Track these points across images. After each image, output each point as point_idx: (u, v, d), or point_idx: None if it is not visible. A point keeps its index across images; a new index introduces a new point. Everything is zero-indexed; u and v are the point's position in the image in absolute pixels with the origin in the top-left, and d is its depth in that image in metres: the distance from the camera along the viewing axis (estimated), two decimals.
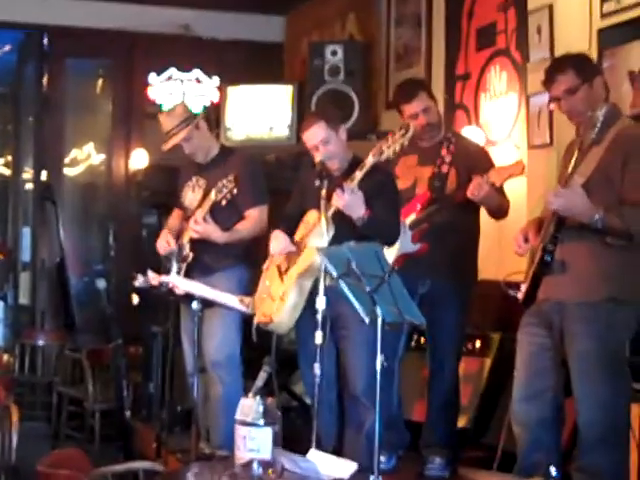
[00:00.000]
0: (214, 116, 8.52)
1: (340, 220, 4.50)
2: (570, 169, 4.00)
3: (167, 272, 5.15)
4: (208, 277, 5.07)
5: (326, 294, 4.43)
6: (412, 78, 5.97)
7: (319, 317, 4.28)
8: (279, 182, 6.75)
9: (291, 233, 4.80)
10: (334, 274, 4.05)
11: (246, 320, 5.21)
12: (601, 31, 5.32)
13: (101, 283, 6.32)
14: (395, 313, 3.87)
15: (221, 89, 8.54)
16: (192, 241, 5.15)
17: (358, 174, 4.49)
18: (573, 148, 4.14)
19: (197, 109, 8.63)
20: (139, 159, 8.58)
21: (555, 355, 4.12)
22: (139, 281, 4.94)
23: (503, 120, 6.14)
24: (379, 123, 7.51)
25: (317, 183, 4.52)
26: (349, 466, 3.97)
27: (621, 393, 4.04)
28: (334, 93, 7.40)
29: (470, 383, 5.33)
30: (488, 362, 5.44)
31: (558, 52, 5.58)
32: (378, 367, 3.94)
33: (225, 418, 5.09)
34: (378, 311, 3.89)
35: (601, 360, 3.97)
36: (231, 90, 8.34)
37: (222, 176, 5.07)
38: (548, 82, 4.27)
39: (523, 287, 4.17)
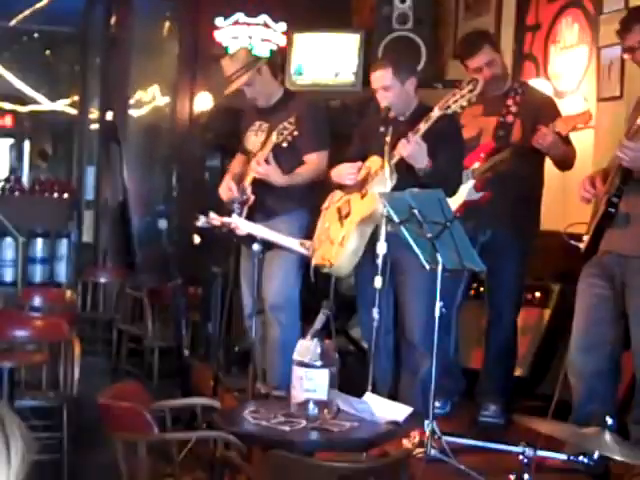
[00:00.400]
0: (280, 61, 8.53)
1: (403, 168, 4.50)
2: (638, 122, 3.96)
3: (229, 214, 5.19)
4: (270, 220, 5.10)
5: (387, 239, 4.46)
6: (475, 30, 5.89)
7: (379, 262, 4.29)
8: (344, 127, 6.74)
9: None
10: (396, 219, 4.07)
11: (306, 263, 5.27)
12: None
13: (163, 223, 6.38)
14: (456, 260, 3.89)
15: (288, 34, 8.52)
16: (254, 184, 5.18)
17: (422, 126, 4.46)
18: None
19: (264, 53, 8.66)
20: (203, 102, 8.61)
21: (615, 307, 4.11)
22: (201, 221, 4.97)
23: (572, 72, 6.05)
24: (446, 72, 7.44)
25: (382, 129, 4.52)
26: (404, 410, 3.99)
27: None
28: (402, 41, 7.34)
29: (528, 333, 5.32)
30: (547, 313, 5.43)
31: (633, 3, 5.50)
32: (437, 314, 3.95)
33: (282, 359, 5.16)
34: (439, 257, 3.90)
35: None
36: (298, 36, 8.31)
37: (284, 120, 5.08)
38: (623, 31, 4.21)
39: (585, 238, 4.15)
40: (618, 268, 4.08)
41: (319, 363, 3.84)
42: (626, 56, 4.30)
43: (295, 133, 4.83)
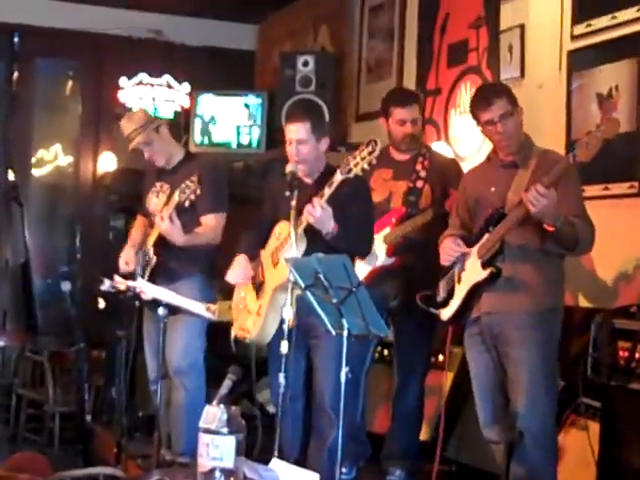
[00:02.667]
0: (183, 122, 8.55)
1: (312, 234, 4.50)
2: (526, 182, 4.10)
3: (132, 277, 5.14)
4: (172, 283, 5.05)
5: (297, 304, 4.48)
6: (407, 89, 6.00)
7: (285, 327, 4.28)
8: (247, 189, 6.81)
9: (263, 242, 4.81)
10: (301, 284, 4.07)
11: (210, 327, 5.25)
12: (571, 53, 5.39)
13: (66, 285, 6.27)
14: (361, 325, 3.89)
15: (191, 95, 8.54)
16: (156, 245, 5.15)
17: (327, 191, 4.45)
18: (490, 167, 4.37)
19: (167, 114, 8.67)
20: (107, 162, 8.56)
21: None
22: (106, 285, 4.91)
23: (472, 136, 6.18)
24: (349, 135, 7.54)
25: (287, 193, 4.53)
26: (311, 477, 3.97)
27: (555, 402, 4.24)
28: (305, 102, 7.41)
29: (433, 395, 5.35)
30: (450, 375, 5.47)
31: (529, 72, 5.67)
32: (343, 378, 3.96)
33: (187, 425, 5.11)
34: (344, 323, 3.92)
35: (544, 367, 4.13)
36: (201, 97, 8.34)
37: (186, 180, 5.07)
38: (484, 106, 4.27)
39: (453, 304, 4.27)
40: (499, 327, 4.20)
41: (226, 430, 3.79)
42: (481, 129, 4.37)
43: (197, 192, 4.81)
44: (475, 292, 4.24)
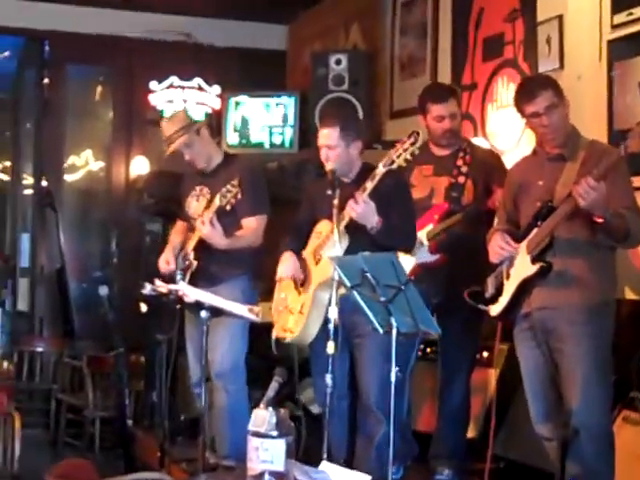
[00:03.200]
0: (215, 124, 8.48)
1: (355, 230, 4.44)
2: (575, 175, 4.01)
3: (172, 281, 5.09)
4: (214, 287, 4.97)
5: (341, 303, 4.41)
6: (445, 84, 5.92)
7: (331, 327, 4.20)
8: (282, 190, 6.71)
9: (302, 244, 4.74)
10: (347, 284, 3.99)
11: (251, 329, 5.17)
12: (611, 42, 5.28)
13: (103, 290, 6.22)
14: (410, 323, 3.81)
15: (222, 97, 8.48)
16: (196, 250, 5.08)
17: (369, 184, 4.40)
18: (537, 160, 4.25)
19: (198, 117, 8.60)
20: (139, 166, 8.51)
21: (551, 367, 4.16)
22: (147, 289, 4.85)
23: (510, 130, 6.08)
24: (383, 132, 7.45)
25: (329, 192, 4.45)
26: (362, 478, 3.89)
27: (610, 398, 4.13)
28: (338, 102, 7.33)
29: (478, 394, 5.25)
30: (495, 373, 5.37)
31: (568, 63, 5.56)
32: (392, 378, 3.87)
33: (230, 427, 5.05)
34: (393, 321, 3.83)
35: (598, 362, 4.02)
36: (233, 98, 8.28)
37: (225, 183, 5.00)
38: (527, 99, 4.18)
39: (502, 300, 4.17)
40: (551, 323, 4.09)
41: (275, 433, 3.71)
42: (526, 122, 4.27)
43: (239, 196, 4.74)
44: (525, 287, 4.13)
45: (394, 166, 4.36)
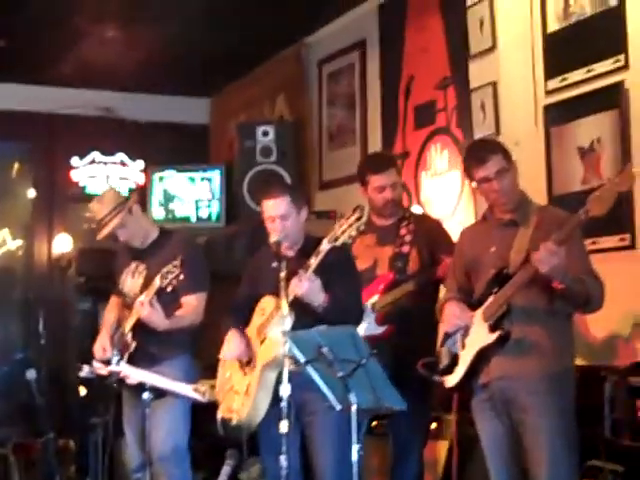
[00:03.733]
0: (139, 200, 8.24)
1: (300, 307, 4.23)
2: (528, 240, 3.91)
3: (108, 362, 4.83)
4: (154, 367, 4.71)
5: (290, 380, 4.21)
6: (384, 152, 5.79)
7: (284, 405, 3.97)
8: (211, 264, 6.49)
9: (246, 320, 4.53)
10: (301, 360, 3.78)
11: (192, 409, 4.92)
12: (547, 108, 5.24)
13: (31, 373, 5.89)
14: (372, 399, 3.61)
15: (146, 172, 8.28)
16: (134, 329, 4.83)
17: (313, 261, 4.19)
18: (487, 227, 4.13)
19: (122, 192, 8.37)
20: (62, 244, 8.21)
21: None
22: (85, 371, 4.59)
23: (446, 198, 5.99)
24: (312, 204, 7.30)
25: (274, 264, 4.26)
26: None
27: (577, 471, 3.99)
28: (266, 174, 7.18)
29: (429, 467, 5.06)
30: (445, 444, 5.19)
31: (504, 129, 5.50)
32: (355, 458, 3.66)
33: None
34: (351, 398, 3.63)
35: (564, 434, 3.86)
36: (157, 173, 8.07)
37: (162, 261, 4.76)
38: (477, 163, 4.06)
39: (459, 370, 4.02)
40: (511, 392, 3.93)
41: None
42: (475, 187, 4.17)
43: (181, 277, 4.51)
44: (483, 357, 3.98)
45: (338, 243, 4.17)
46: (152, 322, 4.68)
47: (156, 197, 8.04)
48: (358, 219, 4.11)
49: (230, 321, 4.57)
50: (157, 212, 7.99)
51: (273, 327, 4.31)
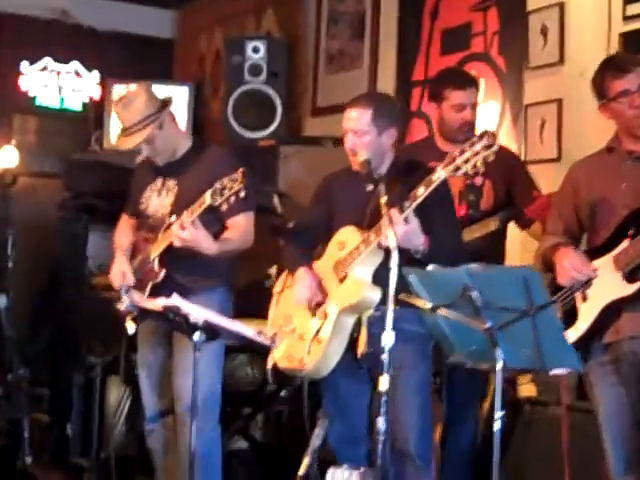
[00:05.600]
0: (94, 116, 7.22)
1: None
2: None
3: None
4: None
5: (370, 328, 3.48)
6: (463, 70, 4.95)
7: (385, 357, 3.15)
8: None
9: (315, 252, 3.71)
10: (427, 305, 2.97)
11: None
12: (624, 36, 4.51)
13: (1, 300, 4.87)
14: (529, 357, 2.83)
15: (104, 85, 7.24)
16: (162, 256, 3.92)
17: (422, 191, 3.35)
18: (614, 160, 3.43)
19: (75, 105, 7.33)
20: (8, 157, 7.08)
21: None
22: (125, 304, 3.68)
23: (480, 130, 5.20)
24: (302, 130, 6.44)
25: (369, 187, 3.41)
26: None
27: None
28: (254, 94, 6.26)
29: None
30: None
31: (570, 57, 4.75)
32: (497, 426, 2.87)
33: (202, 474, 3.87)
34: (498, 353, 2.84)
35: None
36: (117, 87, 7.03)
37: (198, 176, 3.90)
38: (618, 74, 3.38)
39: (580, 325, 3.29)
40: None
41: None
42: (605, 107, 3.46)
43: (242, 194, 3.60)
44: (611, 311, 3.26)
45: (458, 174, 3.35)
46: (198, 245, 3.78)
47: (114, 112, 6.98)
48: (487, 147, 3.29)
49: (291, 255, 3.73)
50: (114, 128, 6.95)
51: (359, 265, 3.50)
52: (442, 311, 2.89)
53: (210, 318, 3.37)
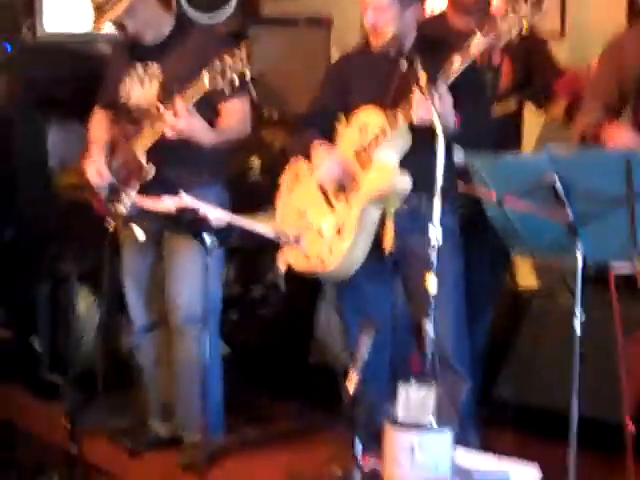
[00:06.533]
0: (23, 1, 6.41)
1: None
2: None
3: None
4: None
5: (399, 221, 3.08)
6: None
7: (433, 254, 2.72)
8: None
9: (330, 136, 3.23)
10: (493, 195, 2.54)
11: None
12: None
13: None
14: (617, 249, 2.43)
15: None
16: (149, 151, 3.39)
17: (456, 65, 2.89)
18: None
19: None
20: None
21: None
22: (127, 206, 3.16)
23: None
24: (260, 10, 5.78)
25: (404, 65, 2.93)
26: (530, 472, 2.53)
27: None
28: None
29: None
30: None
31: None
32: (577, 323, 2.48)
33: (208, 386, 3.41)
34: (578, 244, 2.44)
35: None
36: None
37: (186, 59, 3.37)
38: None
39: None
40: None
41: (434, 423, 2.30)
42: None
43: (248, 74, 3.06)
44: None
45: (501, 41, 2.89)
46: (194, 136, 3.27)
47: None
48: (537, 5, 2.81)
49: (312, 137, 3.24)
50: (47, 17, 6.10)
51: (386, 148, 3.05)
52: (512, 202, 2.46)
53: (233, 219, 2.87)
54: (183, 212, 2.82)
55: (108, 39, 5.77)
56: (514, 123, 3.74)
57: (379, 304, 3.25)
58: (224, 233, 2.93)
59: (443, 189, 2.91)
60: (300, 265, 3.21)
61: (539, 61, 3.69)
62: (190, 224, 2.85)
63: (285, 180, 3.36)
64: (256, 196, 3.93)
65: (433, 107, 2.77)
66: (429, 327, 2.73)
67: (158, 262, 3.55)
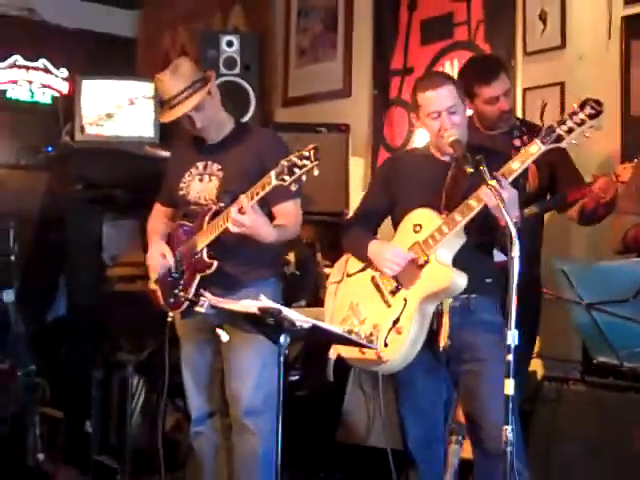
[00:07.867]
0: (63, 110, 5.94)
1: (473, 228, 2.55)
2: None
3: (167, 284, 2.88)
4: (230, 294, 2.79)
5: (454, 317, 2.62)
6: (489, 56, 3.94)
7: (511, 358, 2.21)
8: None
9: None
10: (582, 300, 2.04)
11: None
12: (627, 19, 3.67)
13: (8, 295, 3.65)
14: None
15: (73, 80, 5.95)
16: (210, 246, 2.86)
17: (517, 165, 2.48)
18: None
19: (45, 100, 6.05)
20: None
21: None
22: (205, 306, 2.61)
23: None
24: (274, 121, 5.37)
25: (469, 170, 2.45)
26: None
27: None
28: (230, 86, 5.15)
29: None
30: None
31: (571, 39, 3.88)
32: None
33: (264, 476, 2.86)
34: None
35: None
36: (86, 82, 5.77)
37: (245, 158, 2.90)
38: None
39: None
40: None
41: None
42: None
43: (316, 172, 2.57)
44: None
45: (563, 144, 2.45)
46: (257, 232, 2.75)
47: (86, 108, 5.68)
48: (592, 116, 2.38)
49: (365, 235, 2.74)
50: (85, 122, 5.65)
51: (443, 248, 2.55)
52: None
53: (317, 323, 2.33)
54: (265, 313, 2.27)
55: (140, 142, 5.47)
56: (538, 225, 3.27)
57: (433, 399, 2.72)
58: (298, 332, 2.40)
59: (494, 286, 2.52)
60: (352, 355, 2.67)
61: (563, 172, 3.24)
62: (275, 326, 2.30)
63: (334, 277, 2.85)
64: (294, 289, 3.44)
65: (501, 201, 2.32)
66: (509, 435, 2.20)
67: (217, 355, 3.00)
